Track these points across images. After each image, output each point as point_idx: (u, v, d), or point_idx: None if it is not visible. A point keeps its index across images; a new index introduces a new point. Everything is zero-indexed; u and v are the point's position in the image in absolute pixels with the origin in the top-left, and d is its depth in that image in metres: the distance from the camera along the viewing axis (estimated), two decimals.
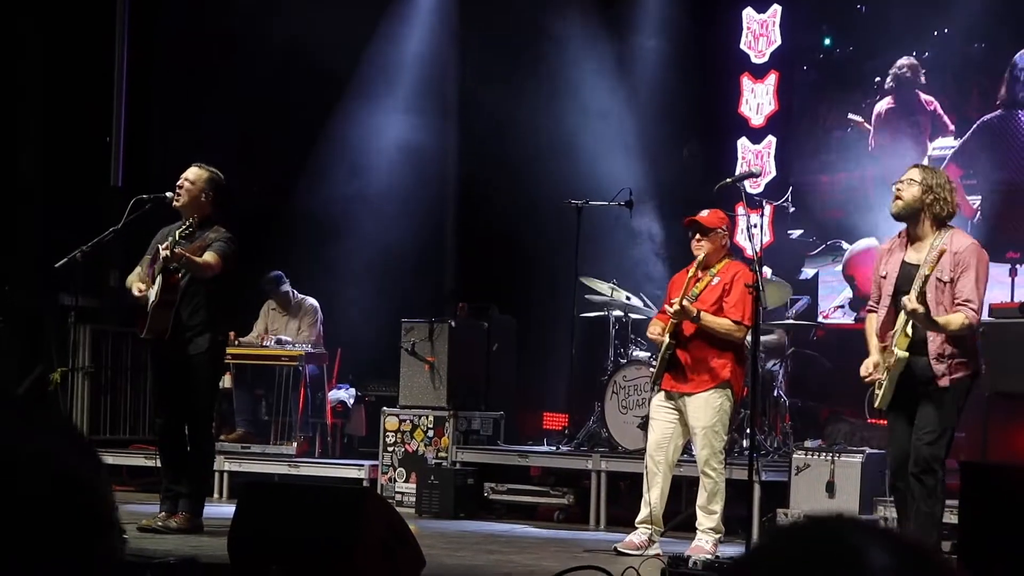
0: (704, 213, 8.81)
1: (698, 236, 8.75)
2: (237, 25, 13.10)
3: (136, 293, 8.85)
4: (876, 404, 7.46)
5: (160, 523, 8.72)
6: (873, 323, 7.52)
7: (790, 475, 9.65)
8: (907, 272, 7.28)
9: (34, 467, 1.33)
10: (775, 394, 10.58)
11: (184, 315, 8.78)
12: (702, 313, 8.53)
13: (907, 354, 7.21)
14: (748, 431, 9.18)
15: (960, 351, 7.26)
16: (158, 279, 8.70)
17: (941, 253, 7.08)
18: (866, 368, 7.44)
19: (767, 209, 12.15)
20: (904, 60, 12.20)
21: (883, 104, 12.38)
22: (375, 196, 13.51)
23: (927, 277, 7.06)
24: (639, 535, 8.72)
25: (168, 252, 8.51)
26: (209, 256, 8.67)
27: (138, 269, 9.02)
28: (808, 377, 11.44)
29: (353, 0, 13.13)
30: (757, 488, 9.41)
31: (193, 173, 8.95)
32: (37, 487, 1.32)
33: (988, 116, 11.75)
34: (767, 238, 12.29)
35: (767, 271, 10.63)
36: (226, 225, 8.99)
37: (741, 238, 11.36)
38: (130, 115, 13.50)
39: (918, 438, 7.24)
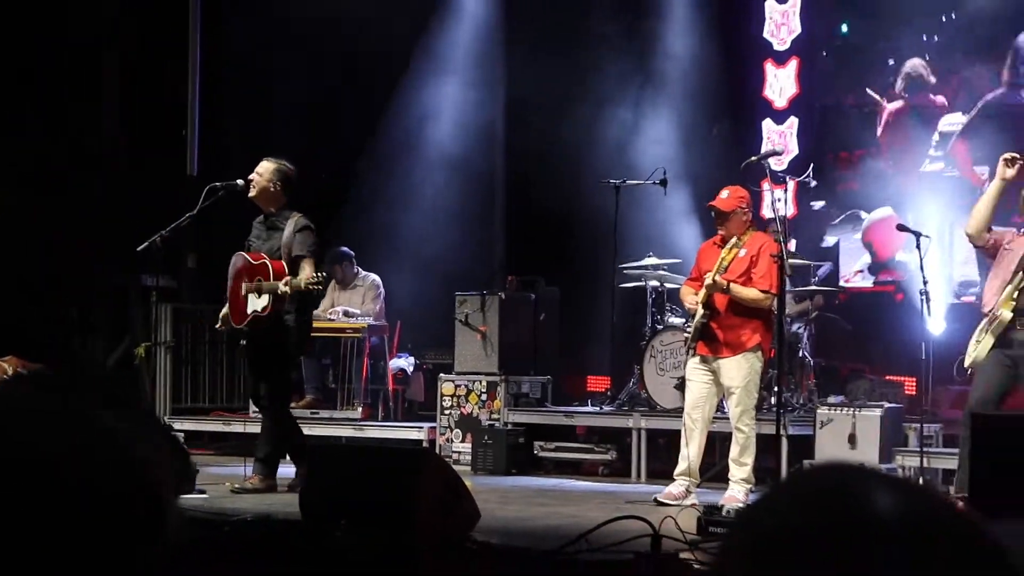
0: (723, 195, 8.87)
1: (718, 220, 8.94)
2: (301, 18, 13.23)
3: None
4: (969, 360, 7.91)
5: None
6: None
7: (815, 429, 9.74)
8: None
9: (95, 455, 1.27)
10: (800, 355, 10.67)
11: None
12: (732, 285, 8.66)
13: (1010, 316, 7.81)
14: (776, 389, 9.32)
15: None
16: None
17: None
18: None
19: (790, 184, 12.23)
20: (915, 62, 12.23)
21: (894, 106, 12.44)
22: (429, 182, 13.68)
23: None
24: (677, 486, 8.86)
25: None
26: (304, 273, 8.79)
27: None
28: (831, 338, 11.47)
29: None
30: (784, 442, 9.58)
31: (262, 166, 9.14)
32: (101, 476, 1.26)
33: (991, 95, 11.94)
34: (791, 211, 12.36)
35: (792, 244, 10.76)
36: (302, 210, 9.14)
37: (767, 212, 11.35)
38: (204, 109, 13.69)
39: None
